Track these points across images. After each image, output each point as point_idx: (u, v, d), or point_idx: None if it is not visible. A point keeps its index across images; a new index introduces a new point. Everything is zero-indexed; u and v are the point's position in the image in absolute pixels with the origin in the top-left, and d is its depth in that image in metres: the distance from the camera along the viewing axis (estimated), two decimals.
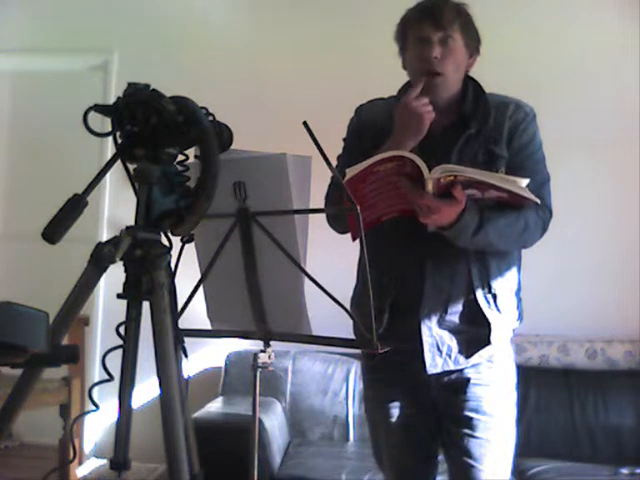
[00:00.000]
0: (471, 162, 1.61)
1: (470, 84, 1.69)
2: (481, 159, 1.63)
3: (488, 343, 1.64)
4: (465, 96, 1.68)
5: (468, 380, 1.67)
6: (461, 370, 1.67)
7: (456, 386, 1.68)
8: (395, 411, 1.72)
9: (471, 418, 1.66)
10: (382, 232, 1.60)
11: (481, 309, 1.63)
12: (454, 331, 1.66)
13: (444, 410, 1.70)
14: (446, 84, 1.64)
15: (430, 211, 1.51)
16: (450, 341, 1.66)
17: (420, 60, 1.63)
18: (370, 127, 1.73)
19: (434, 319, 1.65)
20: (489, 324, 1.63)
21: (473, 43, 1.67)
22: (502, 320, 1.66)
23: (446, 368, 1.66)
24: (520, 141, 1.65)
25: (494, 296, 1.65)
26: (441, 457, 1.78)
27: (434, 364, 1.66)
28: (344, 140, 1.80)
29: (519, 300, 1.72)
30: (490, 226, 1.57)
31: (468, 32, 1.65)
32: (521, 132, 1.66)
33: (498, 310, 1.65)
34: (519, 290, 1.73)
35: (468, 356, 1.66)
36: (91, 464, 3.47)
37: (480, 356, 1.67)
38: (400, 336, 1.61)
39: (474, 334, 1.65)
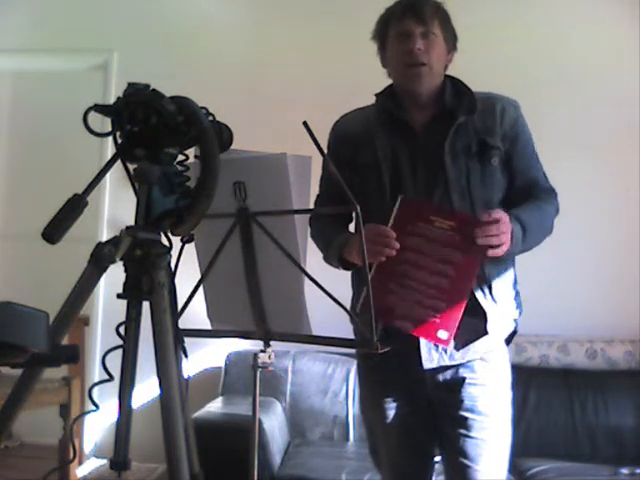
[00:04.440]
0: (464, 152, 1.65)
1: (448, 80, 1.73)
2: (475, 149, 1.66)
3: (485, 333, 1.64)
4: (444, 90, 1.71)
5: (463, 380, 1.67)
6: (456, 369, 1.67)
7: (451, 386, 1.68)
8: (391, 411, 1.72)
9: (466, 418, 1.65)
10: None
11: (477, 299, 1.63)
12: None
13: (439, 410, 1.70)
14: (431, 74, 1.67)
15: (499, 227, 1.50)
16: None
17: (403, 53, 1.66)
18: (347, 139, 1.76)
19: None
20: (485, 314, 1.63)
21: (451, 39, 1.72)
22: (498, 310, 1.66)
23: (442, 363, 1.66)
24: (523, 138, 1.70)
25: (489, 287, 1.65)
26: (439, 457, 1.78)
27: (430, 358, 1.66)
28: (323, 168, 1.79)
29: (517, 292, 1.73)
30: (529, 226, 1.61)
31: (446, 28, 1.70)
32: (521, 129, 1.71)
33: (494, 300, 1.65)
34: (515, 283, 1.73)
35: (464, 345, 1.65)
36: (91, 464, 3.47)
37: (475, 352, 1.66)
38: (395, 332, 1.59)
39: (470, 325, 1.63)
